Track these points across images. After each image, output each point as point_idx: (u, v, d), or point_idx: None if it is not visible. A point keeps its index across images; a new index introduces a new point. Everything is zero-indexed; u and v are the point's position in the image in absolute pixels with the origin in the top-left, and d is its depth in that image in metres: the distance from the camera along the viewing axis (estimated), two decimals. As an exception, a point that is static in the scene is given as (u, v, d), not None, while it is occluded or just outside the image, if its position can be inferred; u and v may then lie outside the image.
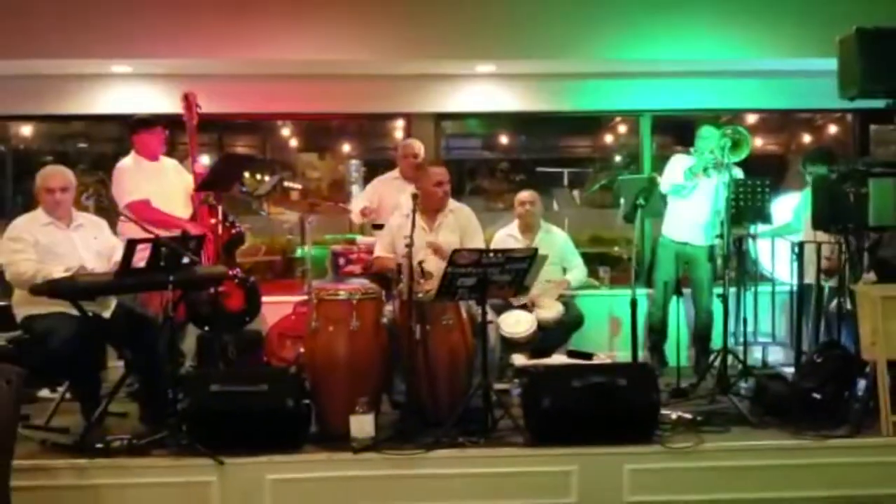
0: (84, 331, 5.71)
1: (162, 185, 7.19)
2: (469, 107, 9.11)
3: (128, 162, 7.18)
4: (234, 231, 7.46)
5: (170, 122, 7.43)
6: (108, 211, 7.04)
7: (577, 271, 8.02)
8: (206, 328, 7.32)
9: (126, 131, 7.38)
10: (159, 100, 8.40)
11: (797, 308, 7.47)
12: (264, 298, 7.79)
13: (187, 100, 7.36)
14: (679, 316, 8.19)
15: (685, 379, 7.04)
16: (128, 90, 8.66)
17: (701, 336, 8.06)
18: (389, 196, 7.86)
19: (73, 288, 5.56)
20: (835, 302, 6.99)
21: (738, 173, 7.24)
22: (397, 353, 6.05)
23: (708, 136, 7.64)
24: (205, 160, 7.79)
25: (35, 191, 6.10)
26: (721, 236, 7.07)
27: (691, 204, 7.83)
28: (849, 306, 6.69)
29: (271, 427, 5.51)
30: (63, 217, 6.08)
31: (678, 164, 7.84)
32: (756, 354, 8.13)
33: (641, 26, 8.16)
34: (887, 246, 6.56)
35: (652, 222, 8.17)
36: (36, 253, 5.82)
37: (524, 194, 8.09)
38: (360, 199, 8.13)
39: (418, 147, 8.08)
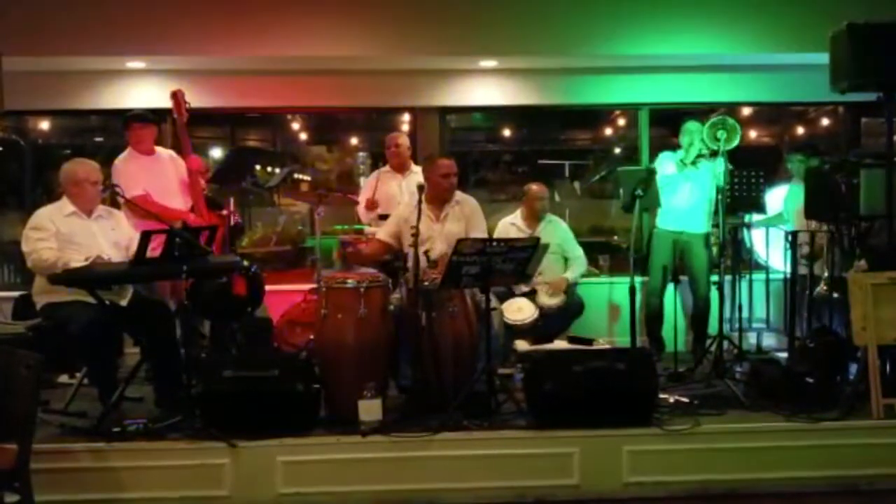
0: (102, 318, 5.80)
1: (159, 177, 7.25)
2: (473, 101, 9.20)
3: (124, 157, 7.23)
4: (233, 222, 7.56)
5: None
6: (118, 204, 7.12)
7: (578, 263, 8.05)
8: (207, 315, 7.38)
9: (121, 127, 7.43)
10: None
11: (790, 295, 7.56)
12: (275, 287, 7.87)
13: (176, 97, 7.37)
14: (676, 303, 8.24)
15: (682, 363, 7.17)
16: (142, 86, 8.74)
17: (697, 322, 8.10)
18: (386, 187, 8.11)
19: (90, 277, 5.64)
20: (822, 286, 7.07)
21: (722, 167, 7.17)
22: (404, 339, 6.12)
23: (693, 129, 7.71)
24: (216, 153, 7.84)
25: (72, 183, 6.15)
26: (717, 225, 7.17)
27: (684, 195, 7.87)
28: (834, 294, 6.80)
29: (282, 411, 5.61)
30: (89, 208, 6.20)
31: (666, 162, 7.89)
32: (751, 340, 8.22)
33: (640, 22, 8.27)
34: (877, 234, 6.62)
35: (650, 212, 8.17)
36: (57, 242, 5.92)
37: (538, 189, 8.07)
38: (362, 195, 8.28)
39: (400, 139, 8.25)
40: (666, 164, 7.80)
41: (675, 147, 8.07)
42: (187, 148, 7.33)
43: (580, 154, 13.10)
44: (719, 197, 7.03)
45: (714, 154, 7.20)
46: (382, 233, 6.94)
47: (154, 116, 7.40)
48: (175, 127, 7.45)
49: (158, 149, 7.44)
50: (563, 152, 12.99)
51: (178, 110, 7.36)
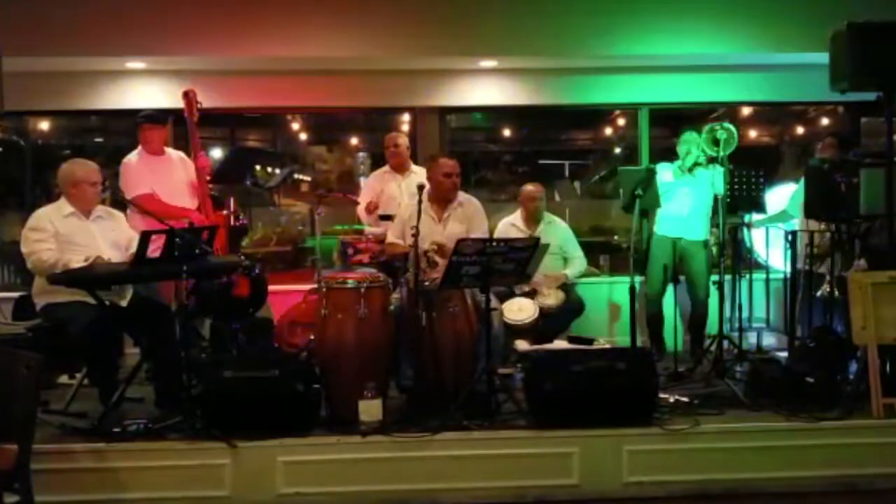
0: (102, 319, 5.80)
1: (168, 178, 7.28)
2: (473, 101, 9.19)
3: (133, 157, 7.26)
4: (238, 222, 7.53)
5: (179, 117, 7.52)
6: (122, 204, 7.14)
7: (577, 262, 8.06)
8: (210, 316, 7.37)
9: (132, 127, 7.45)
10: (172, 95, 8.29)
11: (790, 294, 7.57)
12: (276, 287, 7.85)
13: (187, 97, 7.38)
14: (675, 303, 8.19)
15: (682, 363, 7.16)
16: (142, 86, 8.74)
17: (696, 325, 8.08)
18: (385, 188, 8.11)
19: (90, 277, 5.65)
20: (826, 287, 7.06)
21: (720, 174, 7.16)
22: (404, 339, 6.12)
23: (690, 139, 7.72)
24: (216, 153, 7.84)
25: (70, 184, 6.14)
26: (717, 226, 7.17)
27: (682, 202, 7.85)
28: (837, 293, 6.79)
29: (282, 411, 5.60)
30: (87, 209, 6.19)
31: (664, 170, 7.84)
32: (751, 340, 8.19)
33: (640, 22, 8.26)
34: (877, 234, 6.62)
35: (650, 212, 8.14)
36: (56, 243, 5.92)
37: (533, 189, 8.09)
38: (364, 197, 8.27)
39: (399, 139, 8.25)
40: (664, 173, 7.77)
41: (674, 154, 8.07)
42: (196, 148, 7.35)
43: (580, 154, 13.11)
44: (719, 200, 7.04)
45: (712, 160, 7.22)
46: (393, 235, 7.00)
47: (166, 117, 7.41)
48: (185, 127, 7.45)
49: (168, 149, 7.47)
50: (563, 152, 13.00)
51: (190, 110, 7.38)
